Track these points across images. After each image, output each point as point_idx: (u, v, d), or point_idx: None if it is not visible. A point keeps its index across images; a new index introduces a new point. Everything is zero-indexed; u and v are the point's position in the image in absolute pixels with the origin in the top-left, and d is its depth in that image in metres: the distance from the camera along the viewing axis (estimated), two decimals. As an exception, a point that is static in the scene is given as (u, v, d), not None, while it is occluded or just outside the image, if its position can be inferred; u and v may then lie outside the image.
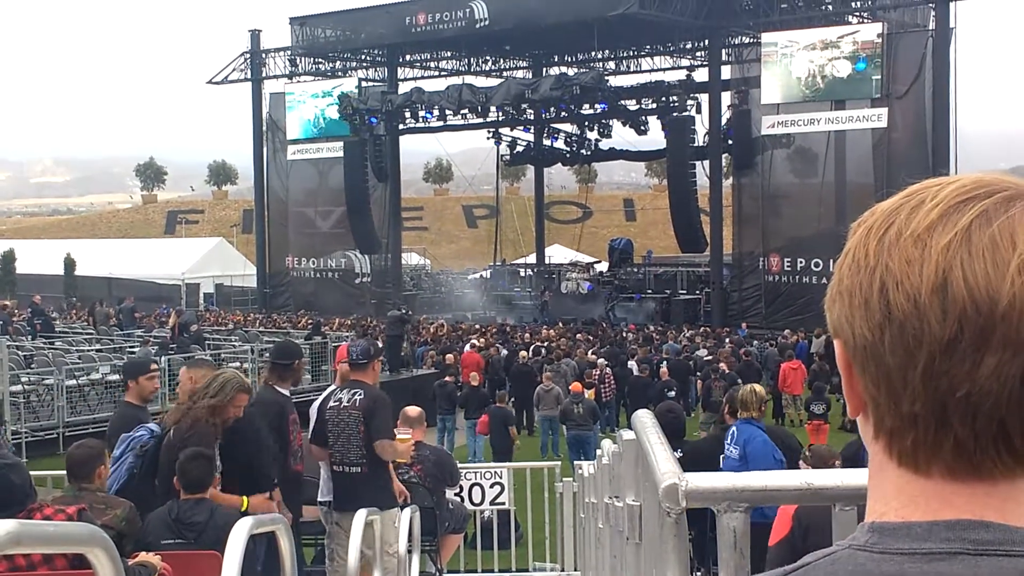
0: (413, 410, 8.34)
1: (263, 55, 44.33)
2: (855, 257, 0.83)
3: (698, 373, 22.42)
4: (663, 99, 35.53)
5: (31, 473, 4.45)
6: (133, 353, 22.64)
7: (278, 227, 44.85)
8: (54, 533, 2.82)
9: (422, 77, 44.75)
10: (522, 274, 44.28)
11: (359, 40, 40.72)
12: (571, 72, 40.56)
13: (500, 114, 37.62)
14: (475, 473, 10.45)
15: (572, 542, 9.86)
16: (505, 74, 44.58)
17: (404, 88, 41.28)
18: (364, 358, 7.24)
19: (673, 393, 18.99)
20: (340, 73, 44.09)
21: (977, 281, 0.76)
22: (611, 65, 43.75)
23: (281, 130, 43.95)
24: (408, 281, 44.39)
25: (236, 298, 46.92)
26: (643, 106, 36.80)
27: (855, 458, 6.09)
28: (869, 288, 0.80)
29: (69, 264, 47.53)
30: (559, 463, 11.85)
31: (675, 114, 34.98)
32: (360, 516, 6.22)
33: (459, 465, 9.39)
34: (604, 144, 42.30)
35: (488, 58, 44.69)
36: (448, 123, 39.25)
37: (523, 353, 23.80)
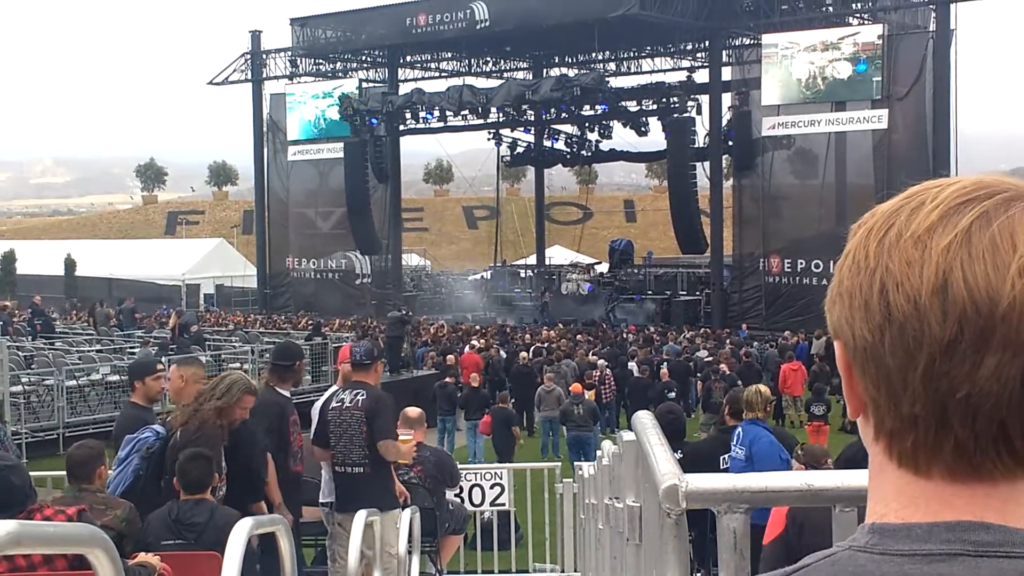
0: (413, 411, 8.34)
1: (264, 56, 44.36)
2: (855, 258, 0.83)
3: (698, 374, 22.43)
4: (663, 100, 35.52)
5: (31, 474, 4.45)
6: (133, 354, 22.64)
7: (278, 228, 44.86)
8: (54, 534, 2.82)
9: (423, 78, 44.77)
10: (522, 275, 44.28)
11: (360, 41, 40.73)
12: (572, 73, 40.56)
13: (500, 115, 37.62)
14: (475, 474, 10.46)
15: (572, 543, 9.86)
16: (505, 75, 44.61)
17: (405, 89, 41.29)
18: (368, 359, 7.25)
19: (673, 394, 19.00)
20: (341, 74, 44.11)
21: (977, 282, 0.76)
22: (612, 66, 43.75)
23: (281, 131, 43.96)
24: (408, 282, 44.40)
25: (236, 299, 46.94)
26: (643, 107, 36.81)
27: (855, 459, 6.09)
28: (869, 289, 0.80)
29: (69, 265, 47.55)
30: (559, 464, 11.86)
31: (675, 115, 34.97)
32: (360, 517, 6.22)
33: (459, 466, 9.40)
34: (604, 145, 42.27)
35: (488, 59, 44.70)
36: (448, 124, 39.26)
37: (523, 354, 23.80)
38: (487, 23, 36.20)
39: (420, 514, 7.71)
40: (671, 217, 36.25)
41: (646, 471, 2.26)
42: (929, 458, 0.80)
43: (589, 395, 18.45)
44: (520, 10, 35.81)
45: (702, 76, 37.86)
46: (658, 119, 36.42)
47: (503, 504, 10.38)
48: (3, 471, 4.10)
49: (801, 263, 32.87)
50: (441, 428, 19.01)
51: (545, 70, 43.85)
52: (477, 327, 32.31)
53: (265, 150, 44.78)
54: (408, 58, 43.97)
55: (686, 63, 41.81)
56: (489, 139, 43.47)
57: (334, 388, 7.72)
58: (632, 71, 44.14)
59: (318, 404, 7.49)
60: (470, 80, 41.13)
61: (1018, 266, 0.76)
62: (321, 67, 43.93)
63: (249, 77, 44.22)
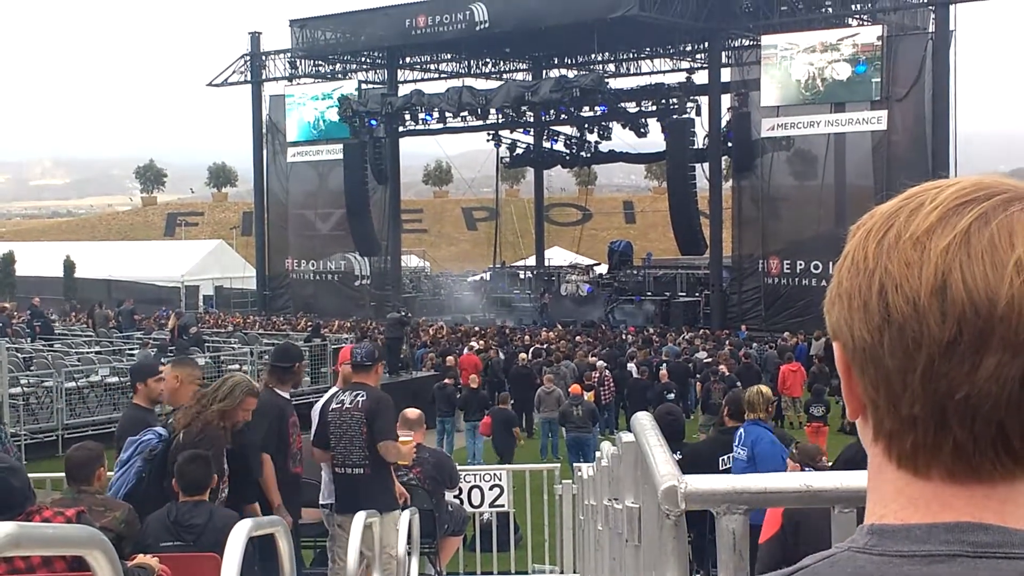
0: (412, 412, 8.34)
1: (263, 57, 44.38)
2: (854, 260, 0.83)
3: (697, 375, 22.43)
4: (663, 101, 35.55)
5: (30, 475, 4.45)
6: (133, 356, 22.63)
7: (278, 229, 44.87)
8: (53, 535, 2.82)
9: (422, 79, 44.78)
10: (522, 276, 44.25)
11: (359, 42, 40.75)
12: (571, 74, 40.62)
13: (500, 116, 37.65)
14: (474, 475, 10.45)
15: (571, 544, 9.85)
16: (505, 76, 44.62)
17: (404, 90, 41.32)
18: (369, 360, 7.26)
19: (672, 395, 19.01)
20: (340, 75, 44.12)
21: (976, 283, 0.76)
22: (611, 67, 43.79)
23: (281, 132, 43.98)
24: (407, 283, 44.40)
25: (235, 300, 46.94)
26: (643, 108, 36.85)
27: (854, 460, 6.08)
28: (868, 290, 0.80)
29: (68, 266, 47.52)
30: (558, 465, 11.85)
31: (675, 116, 35.00)
32: (359, 518, 6.22)
33: (458, 467, 9.39)
34: (604, 146, 42.29)
35: (488, 60, 44.74)
36: (448, 125, 39.28)
37: (522, 355, 23.81)
38: (486, 24, 36.22)
39: (419, 515, 7.71)
40: (670, 218, 36.28)
41: (645, 472, 2.26)
42: (928, 459, 0.80)
43: (588, 396, 18.44)
44: (519, 11, 35.83)
45: (701, 77, 37.92)
46: (657, 120, 36.46)
47: (502, 505, 10.38)
48: (2, 473, 4.09)
49: (800, 264, 32.88)
50: (440, 429, 19.00)
51: (544, 71, 43.87)
52: (476, 328, 32.31)
53: (264, 151, 44.80)
54: (407, 59, 43.99)
55: (685, 64, 41.85)
56: (488, 140, 43.50)
57: (334, 389, 7.71)
58: (631, 72, 44.18)
59: (318, 405, 7.49)
60: (469, 81, 41.19)
61: (1016, 267, 0.76)
62: (320, 68, 43.95)
63: (248, 78, 44.23)
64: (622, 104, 36.53)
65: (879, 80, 31.34)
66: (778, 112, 33.52)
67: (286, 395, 7.28)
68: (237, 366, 21.40)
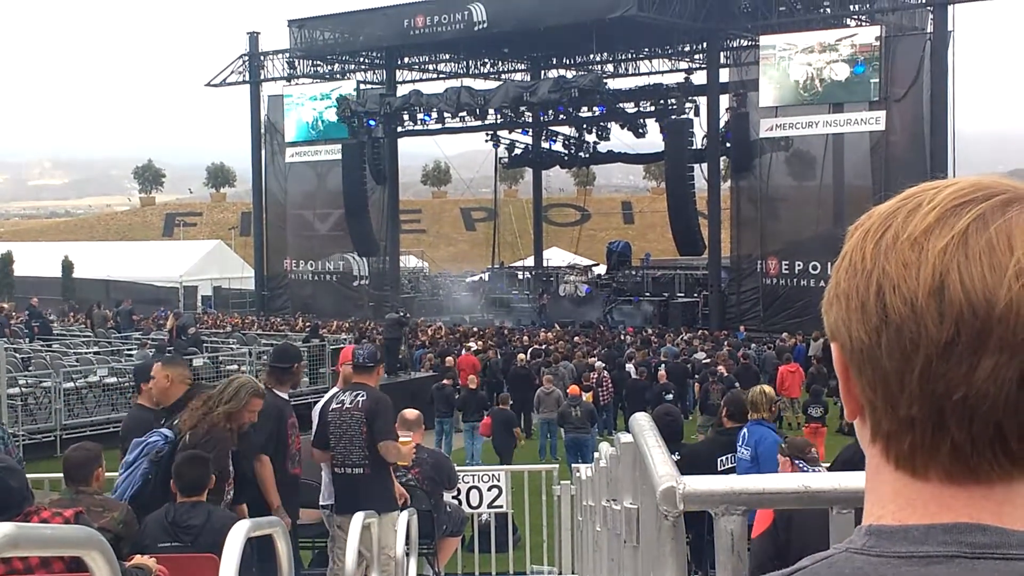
0: (411, 413, 8.34)
1: (261, 57, 44.37)
2: (852, 260, 0.83)
3: (696, 376, 22.44)
4: (661, 102, 35.54)
5: (28, 476, 4.44)
6: (131, 356, 22.62)
7: (276, 230, 44.86)
8: (51, 536, 2.82)
9: (420, 80, 44.79)
10: (520, 277, 44.24)
11: (357, 43, 40.75)
12: (569, 75, 40.60)
13: (498, 116, 37.65)
14: (473, 476, 10.45)
15: (570, 545, 9.86)
16: (503, 76, 44.60)
17: (402, 90, 41.32)
18: (371, 362, 7.27)
19: (671, 396, 19.02)
20: (338, 75, 44.11)
21: (974, 284, 0.76)
22: (609, 68, 43.79)
23: (279, 132, 43.96)
24: (406, 284, 44.41)
25: (234, 300, 46.94)
26: (641, 109, 36.82)
27: (852, 461, 6.08)
28: (866, 291, 0.80)
29: (67, 266, 47.51)
30: (557, 466, 11.86)
31: (673, 117, 34.98)
32: (358, 518, 6.22)
33: (457, 468, 9.39)
34: (602, 147, 42.29)
35: (486, 61, 44.73)
36: (446, 125, 39.26)
37: (521, 356, 23.81)
38: (485, 24, 36.22)
39: (418, 516, 7.70)
40: (669, 219, 36.26)
41: (643, 473, 2.26)
42: (926, 460, 0.80)
43: (587, 397, 18.44)
44: (518, 11, 35.84)
45: (700, 78, 37.93)
46: (656, 121, 36.44)
47: (501, 506, 10.38)
48: (0, 473, 4.09)
49: (799, 265, 32.89)
50: (439, 430, 18.99)
51: (543, 71, 43.89)
52: (475, 329, 32.31)
53: (263, 152, 44.78)
54: (406, 59, 44.00)
55: (684, 65, 41.87)
56: (487, 141, 43.48)
57: (334, 390, 7.72)
58: (630, 73, 44.19)
59: (318, 406, 7.49)
60: (468, 82, 41.19)
61: (1015, 268, 0.76)
62: (319, 69, 43.95)
63: (247, 79, 44.22)
64: (620, 104, 36.52)
65: (877, 80, 31.36)
66: (776, 112, 33.54)
67: (285, 396, 7.28)
68: (235, 366, 21.40)
